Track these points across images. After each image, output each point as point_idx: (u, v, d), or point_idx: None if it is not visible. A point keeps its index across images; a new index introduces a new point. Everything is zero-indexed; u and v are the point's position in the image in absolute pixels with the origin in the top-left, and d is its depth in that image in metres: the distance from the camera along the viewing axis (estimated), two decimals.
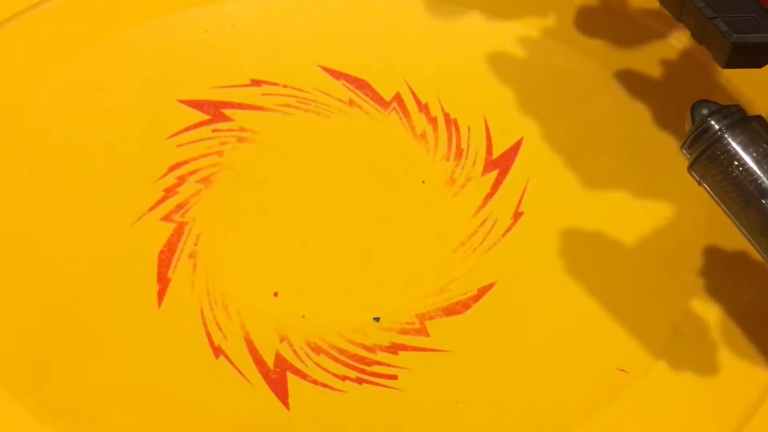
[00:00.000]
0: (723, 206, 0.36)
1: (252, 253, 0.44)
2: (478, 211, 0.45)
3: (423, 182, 0.46)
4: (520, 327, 0.42)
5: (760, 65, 0.37)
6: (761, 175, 0.35)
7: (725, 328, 0.41)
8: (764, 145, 0.35)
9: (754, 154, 0.35)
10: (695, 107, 0.36)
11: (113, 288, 0.43)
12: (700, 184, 0.36)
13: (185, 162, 0.46)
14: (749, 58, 0.36)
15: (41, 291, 0.42)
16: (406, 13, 0.51)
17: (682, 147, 0.37)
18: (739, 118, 0.36)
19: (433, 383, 0.41)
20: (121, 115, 0.47)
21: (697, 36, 0.37)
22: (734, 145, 0.35)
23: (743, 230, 0.36)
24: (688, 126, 0.37)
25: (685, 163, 0.37)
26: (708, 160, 0.36)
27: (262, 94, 0.48)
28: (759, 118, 0.36)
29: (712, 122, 0.36)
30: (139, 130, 0.47)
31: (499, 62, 0.49)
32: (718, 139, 0.35)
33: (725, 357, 0.41)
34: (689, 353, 0.41)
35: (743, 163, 0.35)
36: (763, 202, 0.34)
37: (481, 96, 0.49)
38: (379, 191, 0.46)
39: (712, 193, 0.36)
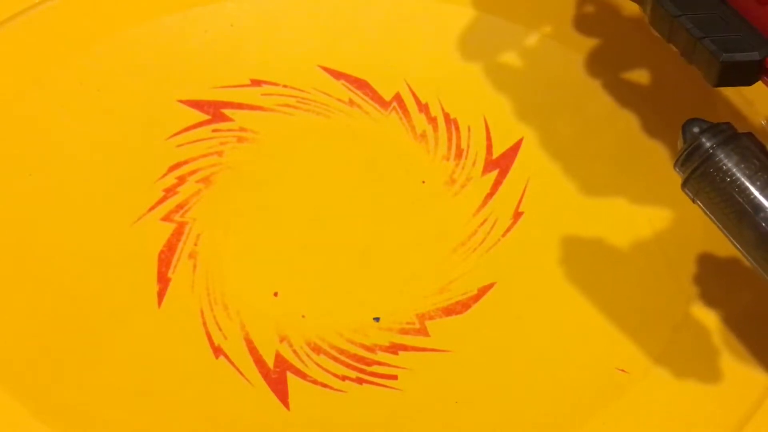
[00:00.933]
0: (717, 222, 0.36)
1: (252, 253, 0.44)
2: (478, 211, 0.45)
3: (423, 182, 0.46)
4: (520, 327, 0.42)
5: (749, 83, 0.37)
6: (753, 191, 0.35)
7: (725, 329, 0.41)
8: (755, 161, 0.35)
9: (746, 171, 0.35)
10: (686, 126, 0.37)
11: (113, 288, 0.43)
12: (693, 201, 0.37)
13: (185, 162, 0.46)
14: (739, 76, 0.37)
15: (41, 291, 0.42)
16: (406, 13, 0.51)
17: (674, 166, 0.37)
18: (729, 136, 0.36)
19: (433, 383, 0.41)
20: (121, 115, 0.47)
21: (687, 56, 0.38)
22: (726, 161, 0.36)
23: (738, 246, 0.36)
24: (680, 144, 0.37)
25: None
26: (701, 177, 0.36)
27: (262, 94, 0.48)
28: (749, 135, 0.36)
29: (704, 140, 0.36)
30: (139, 130, 0.47)
31: (500, 62, 0.49)
32: (710, 157, 0.36)
33: (725, 358, 0.41)
34: (690, 354, 0.41)
35: (735, 179, 0.35)
36: (756, 217, 0.35)
37: (481, 96, 0.49)
38: (379, 191, 0.46)
39: (706, 210, 0.36)
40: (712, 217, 0.36)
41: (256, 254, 0.44)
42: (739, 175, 0.35)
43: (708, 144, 0.36)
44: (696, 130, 0.37)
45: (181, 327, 0.42)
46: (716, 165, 0.36)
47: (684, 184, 0.37)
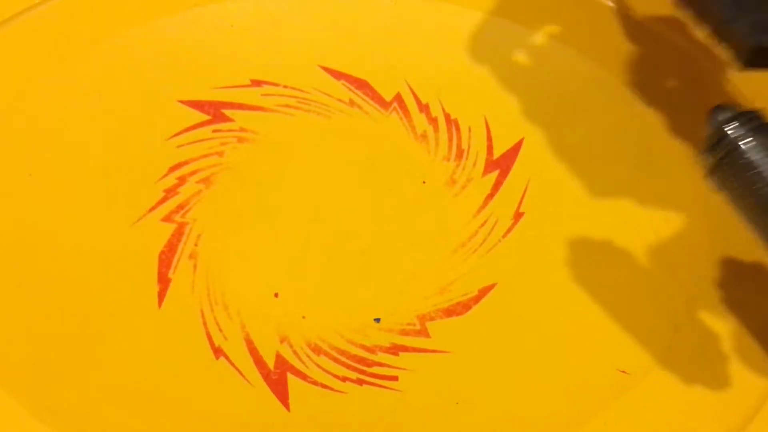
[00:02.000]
0: (741, 212, 0.35)
1: (252, 253, 0.44)
2: (478, 211, 0.45)
3: (423, 182, 0.46)
4: (521, 328, 0.42)
5: None
6: None
7: (726, 331, 0.41)
8: None
9: None
10: (713, 113, 0.36)
11: (113, 288, 0.43)
12: (717, 190, 0.36)
13: (186, 162, 0.46)
14: None
15: (42, 291, 0.42)
16: (406, 13, 0.51)
17: (699, 153, 0.36)
18: (758, 125, 0.35)
19: (433, 384, 0.41)
20: (121, 115, 0.47)
21: (717, 35, 0.37)
22: (754, 151, 0.35)
23: (763, 237, 0.35)
24: (706, 131, 0.36)
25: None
26: (727, 166, 0.35)
27: (263, 95, 0.48)
28: None
29: (731, 128, 0.35)
30: (139, 131, 0.47)
31: (500, 62, 0.49)
32: (738, 146, 0.35)
33: (726, 360, 0.41)
34: (690, 355, 0.41)
35: (763, 170, 0.35)
36: None
37: (481, 96, 0.49)
38: (379, 191, 0.46)
39: (731, 200, 0.36)
40: (737, 207, 0.36)
41: (256, 255, 0.44)
42: (766, 165, 0.35)
43: (736, 133, 0.35)
44: (723, 117, 0.36)
45: (181, 327, 0.42)
46: (743, 155, 0.35)
47: (709, 173, 0.36)
